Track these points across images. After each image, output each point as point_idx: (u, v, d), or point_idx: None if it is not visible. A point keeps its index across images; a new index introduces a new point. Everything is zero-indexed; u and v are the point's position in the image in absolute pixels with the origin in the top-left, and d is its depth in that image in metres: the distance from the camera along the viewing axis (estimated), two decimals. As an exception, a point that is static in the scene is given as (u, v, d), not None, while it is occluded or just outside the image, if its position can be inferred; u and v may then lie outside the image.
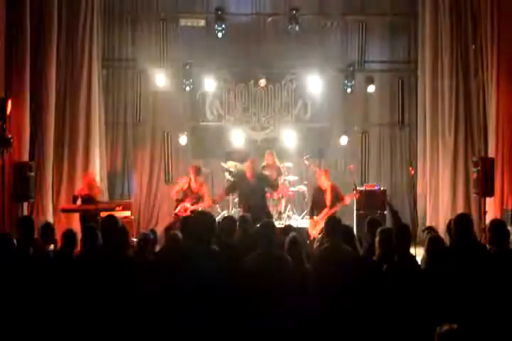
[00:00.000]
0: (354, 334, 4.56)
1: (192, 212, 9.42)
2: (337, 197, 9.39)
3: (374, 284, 4.86)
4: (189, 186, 9.84)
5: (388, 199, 10.49)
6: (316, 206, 9.47)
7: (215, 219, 5.36)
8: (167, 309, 4.56)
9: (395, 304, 4.67)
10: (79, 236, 5.70)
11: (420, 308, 4.56)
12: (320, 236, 6.74)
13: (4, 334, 4.57)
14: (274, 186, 9.96)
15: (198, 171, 9.92)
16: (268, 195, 10.18)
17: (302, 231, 9.13)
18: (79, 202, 9.70)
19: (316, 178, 9.76)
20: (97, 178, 10.95)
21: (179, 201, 9.87)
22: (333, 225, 5.48)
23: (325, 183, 9.45)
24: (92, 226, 5.69)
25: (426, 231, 6.47)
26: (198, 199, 9.82)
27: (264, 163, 11.27)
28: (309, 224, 9.50)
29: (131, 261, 5.22)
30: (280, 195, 11.08)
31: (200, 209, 9.59)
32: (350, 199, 9.64)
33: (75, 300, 4.69)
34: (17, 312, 4.67)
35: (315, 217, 9.34)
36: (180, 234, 5.57)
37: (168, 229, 6.78)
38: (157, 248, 6.34)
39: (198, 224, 4.85)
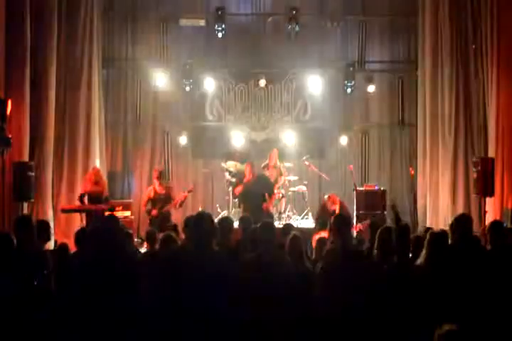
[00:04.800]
0: (354, 334, 4.56)
1: (162, 213, 9.80)
2: None
3: (375, 284, 4.87)
4: (155, 192, 9.99)
5: (393, 202, 10.41)
6: (323, 224, 9.43)
7: (213, 220, 5.34)
8: (167, 309, 4.56)
9: (395, 304, 4.67)
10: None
11: (420, 308, 4.56)
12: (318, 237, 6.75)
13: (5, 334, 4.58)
14: (272, 191, 9.99)
15: (160, 175, 10.09)
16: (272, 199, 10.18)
17: (303, 232, 9.11)
18: (86, 200, 9.83)
19: (328, 203, 9.81)
20: (104, 174, 10.98)
21: (149, 211, 10.01)
22: (341, 224, 5.47)
23: (335, 206, 9.52)
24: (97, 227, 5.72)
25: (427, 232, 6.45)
26: (166, 201, 9.98)
27: (266, 162, 11.25)
28: (314, 238, 9.45)
29: (131, 260, 5.22)
30: (280, 196, 11.08)
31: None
32: (359, 229, 9.63)
33: (74, 300, 4.69)
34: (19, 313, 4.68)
35: (322, 233, 9.25)
36: (174, 235, 5.64)
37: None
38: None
39: (199, 225, 4.83)
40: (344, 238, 5.22)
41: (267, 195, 9.78)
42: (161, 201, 10.07)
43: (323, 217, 9.63)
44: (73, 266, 5.06)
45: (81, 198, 9.93)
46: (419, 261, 5.04)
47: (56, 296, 4.95)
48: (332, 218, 5.57)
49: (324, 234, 9.09)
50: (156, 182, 10.19)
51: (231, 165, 11.57)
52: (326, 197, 10.24)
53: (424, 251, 4.98)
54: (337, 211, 9.44)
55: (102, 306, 4.52)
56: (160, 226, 9.00)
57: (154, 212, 9.95)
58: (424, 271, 4.91)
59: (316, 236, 9.26)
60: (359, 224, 9.67)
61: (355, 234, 10.18)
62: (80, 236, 5.76)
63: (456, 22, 11.10)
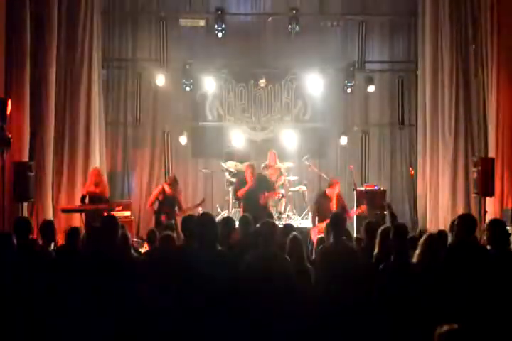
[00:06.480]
0: (353, 334, 4.56)
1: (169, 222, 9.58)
2: (342, 207, 9.39)
3: (372, 283, 4.88)
4: (164, 195, 9.80)
5: (388, 202, 10.44)
6: (320, 213, 9.41)
7: (215, 221, 5.34)
8: (168, 309, 4.56)
9: (393, 304, 4.67)
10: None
11: (418, 308, 4.55)
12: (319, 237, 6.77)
13: (6, 332, 4.58)
14: (272, 189, 10.02)
15: (173, 183, 9.88)
16: (271, 194, 10.16)
17: (303, 232, 9.11)
18: (87, 201, 9.82)
19: (329, 185, 9.66)
20: (104, 174, 10.97)
21: (157, 213, 9.81)
22: (338, 221, 5.50)
23: (335, 191, 9.45)
24: (96, 227, 5.68)
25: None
26: (173, 204, 9.79)
27: (266, 163, 11.25)
28: (312, 232, 9.42)
29: (131, 260, 5.22)
30: (280, 196, 11.08)
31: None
32: (356, 213, 9.65)
33: (74, 299, 4.69)
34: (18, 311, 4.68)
35: (319, 225, 9.25)
36: (173, 234, 5.64)
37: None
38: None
39: (202, 225, 4.84)
40: (337, 236, 5.29)
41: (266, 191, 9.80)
42: (169, 204, 9.84)
43: (320, 203, 9.58)
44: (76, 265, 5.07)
45: (82, 200, 9.93)
46: (413, 260, 5.03)
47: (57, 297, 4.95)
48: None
49: (322, 225, 9.13)
50: (166, 186, 9.93)
51: (231, 165, 11.57)
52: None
53: (418, 251, 4.96)
54: (335, 202, 9.39)
55: (104, 304, 4.53)
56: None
57: (164, 217, 9.72)
58: (423, 270, 4.91)
59: (316, 230, 9.30)
60: (358, 209, 9.70)
61: (356, 216, 10.18)
62: (72, 235, 5.74)
63: (456, 22, 11.10)
